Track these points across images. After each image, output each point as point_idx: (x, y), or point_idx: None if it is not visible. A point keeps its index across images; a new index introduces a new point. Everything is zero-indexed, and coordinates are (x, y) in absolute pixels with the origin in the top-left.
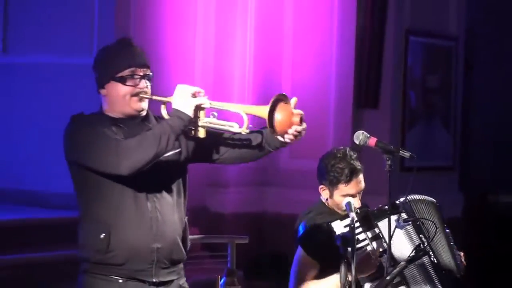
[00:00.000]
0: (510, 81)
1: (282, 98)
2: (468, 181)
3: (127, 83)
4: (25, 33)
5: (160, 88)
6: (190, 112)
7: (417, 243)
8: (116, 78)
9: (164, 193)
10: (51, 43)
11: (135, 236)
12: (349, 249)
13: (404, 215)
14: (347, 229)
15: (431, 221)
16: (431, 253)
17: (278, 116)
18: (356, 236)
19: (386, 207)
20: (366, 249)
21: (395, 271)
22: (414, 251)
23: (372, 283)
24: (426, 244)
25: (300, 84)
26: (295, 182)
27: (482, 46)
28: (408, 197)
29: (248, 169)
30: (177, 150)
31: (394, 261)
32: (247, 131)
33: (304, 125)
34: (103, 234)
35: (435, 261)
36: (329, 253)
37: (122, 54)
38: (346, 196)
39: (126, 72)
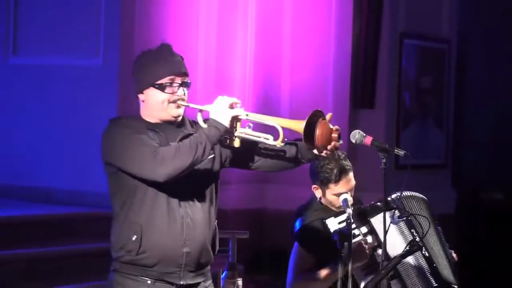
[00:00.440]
0: (501, 82)
1: (318, 114)
2: (461, 179)
3: (166, 91)
4: (33, 36)
5: None
6: (227, 123)
7: (410, 239)
8: (155, 85)
9: (196, 199)
10: (59, 45)
11: (166, 240)
12: (346, 244)
13: (397, 212)
14: (342, 225)
15: (424, 216)
16: (423, 247)
17: (319, 132)
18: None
19: (378, 203)
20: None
21: (389, 265)
22: (407, 246)
23: (368, 277)
24: (418, 239)
25: (299, 86)
26: (294, 180)
27: (473, 48)
28: (400, 194)
29: None
30: (211, 156)
31: (388, 256)
32: (282, 144)
33: (341, 141)
34: (135, 236)
35: (427, 255)
36: (325, 247)
37: (162, 62)
38: (337, 195)
39: (166, 80)
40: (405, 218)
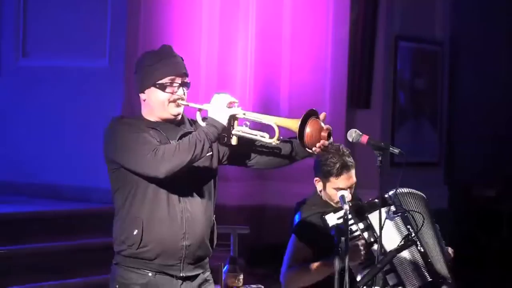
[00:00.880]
0: (491, 83)
1: (312, 113)
2: (453, 176)
3: (166, 90)
4: (42, 38)
5: None
6: (224, 121)
7: (405, 234)
8: (156, 85)
9: (195, 195)
10: (67, 47)
11: (166, 234)
12: (343, 239)
13: (393, 208)
14: (341, 220)
15: (418, 212)
16: (418, 242)
17: (308, 130)
18: (349, 227)
19: (376, 200)
20: (357, 240)
21: (385, 259)
22: (402, 241)
23: (364, 270)
24: (413, 234)
25: (298, 87)
26: (293, 177)
27: (465, 50)
28: (397, 190)
29: None
30: (209, 154)
31: (384, 250)
32: (278, 142)
33: (331, 140)
34: (136, 231)
35: (422, 250)
36: (322, 241)
37: (163, 63)
38: (337, 189)
39: (166, 80)
40: (400, 214)
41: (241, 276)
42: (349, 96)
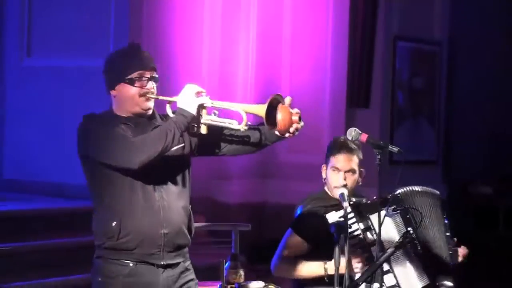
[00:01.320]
0: (488, 83)
1: (278, 98)
2: (451, 174)
3: (136, 85)
4: (47, 38)
5: (169, 89)
6: (193, 111)
7: (404, 231)
8: (125, 80)
9: (170, 184)
10: (71, 47)
11: (144, 223)
12: (342, 236)
13: (393, 206)
14: (342, 219)
15: (417, 210)
16: (416, 241)
17: (280, 117)
18: (349, 225)
19: (380, 198)
20: (358, 242)
21: (383, 256)
22: (400, 238)
23: (363, 268)
24: (412, 232)
25: (298, 86)
26: (294, 175)
27: (463, 50)
28: (407, 189)
29: (250, 163)
30: (181, 145)
31: (383, 248)
32: (246, 127)
33: (302, 123)
34: (115, 222)
35: (419, 249)
36: (322, 237)
37: (131, 58)
38: (334, 168)
39: (135, 74)
40: (399, 212)
41: (242, 273)
42: (349, 95)
